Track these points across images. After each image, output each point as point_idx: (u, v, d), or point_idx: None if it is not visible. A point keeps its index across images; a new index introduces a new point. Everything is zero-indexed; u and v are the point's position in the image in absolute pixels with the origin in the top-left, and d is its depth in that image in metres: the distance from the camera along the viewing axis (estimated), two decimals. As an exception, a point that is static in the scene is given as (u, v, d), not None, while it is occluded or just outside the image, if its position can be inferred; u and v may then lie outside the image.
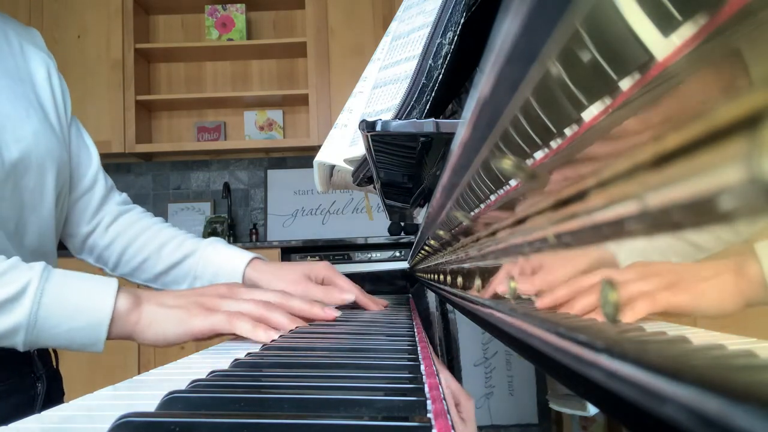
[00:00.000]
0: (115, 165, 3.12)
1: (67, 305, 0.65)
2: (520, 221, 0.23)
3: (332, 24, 2.95)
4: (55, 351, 0.94)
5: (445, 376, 0.42)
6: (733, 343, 0.11)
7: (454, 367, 0.64)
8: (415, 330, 0.66)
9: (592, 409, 0.19)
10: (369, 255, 2.66)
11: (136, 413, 0.29)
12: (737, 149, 0.08)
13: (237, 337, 0.69)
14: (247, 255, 0.92)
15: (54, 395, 0.90)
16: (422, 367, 0.42)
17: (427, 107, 0.49)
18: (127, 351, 2.57)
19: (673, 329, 0.13)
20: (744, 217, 0.09)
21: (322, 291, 0.86)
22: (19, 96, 0.83)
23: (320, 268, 0.91)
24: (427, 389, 0.35)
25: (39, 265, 0.66)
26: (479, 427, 0.39)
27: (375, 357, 0.48)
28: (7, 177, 0.76)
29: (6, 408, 0.79)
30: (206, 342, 0.74)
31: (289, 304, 0.72)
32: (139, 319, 0.68)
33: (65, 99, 0.95)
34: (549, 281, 0.20)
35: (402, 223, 1.12)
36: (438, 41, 0.49)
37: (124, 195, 1.07)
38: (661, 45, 0.10)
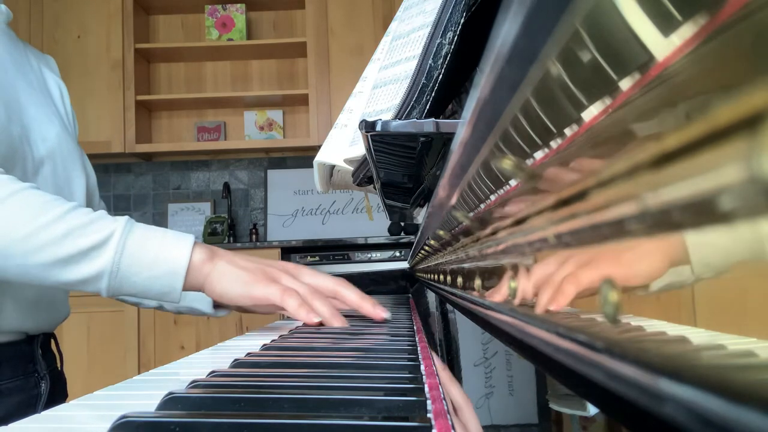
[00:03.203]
0: (115, 165, 3.12)
1: (147, 255, 0.69)
2: (520, 221, 0.23)
3: (332, 24, 2.95)
4: (60, 352, 0.94)
5: (445, 379, 0.42)
6: (733, 343, 0.11)
7: (454, 367, 0.64)
8: (415, 330, 0.66)
9: (592, 409, 0.19)
10: (369, 255, 2.66)
11: (136, 413, 0.29)
12: (737, 149, 0.08)
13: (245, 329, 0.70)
14: None
15: (57, 396, 0.91)
16: (422, 367, 0.42)
17: (427, 107, 0.49)
18: (127, 351, 2.57)
19: (673, 329, 0.13)
20: (744, 217, 0.09)
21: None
22: (42, 104, 0.89)
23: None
24: (427, 389, 0.35)
25: (123, 218, 0.71)
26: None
27: (375, 357, 0.48)
28: (36, 170, 0.83)
29: (8, 407, 0.79)
30: (207, 342, 0.76)
31: (343, 293, 0.76)
32: (211, 271, 0.73)
33: (75, 125, 1.03)
34: (547, 281, 0.20)
35: (402, 223, 1.12)
36: (438, 41, 0.49)
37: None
38: (661, 45, 0.10)
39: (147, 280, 0.69)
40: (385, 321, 0.75)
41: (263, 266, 0.75)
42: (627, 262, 0.14)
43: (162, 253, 0.70)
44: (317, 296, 0.73)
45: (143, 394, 0.40)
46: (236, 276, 0.73)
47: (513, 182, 0.22)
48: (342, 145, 0.73)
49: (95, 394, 0.40)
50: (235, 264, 0.74)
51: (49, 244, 0.66)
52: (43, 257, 0.66)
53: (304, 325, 0.75)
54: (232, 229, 3.05)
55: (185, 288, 0.72)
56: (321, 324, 0.72)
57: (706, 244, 0.11)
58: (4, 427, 0.30)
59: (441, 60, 0.49)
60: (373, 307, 0.75)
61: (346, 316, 0.76)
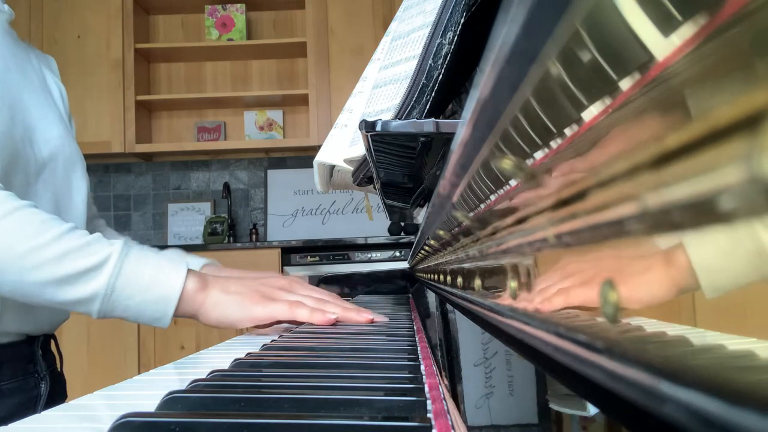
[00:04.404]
0: (115, 165, 3.12)
1: (142, 280, 0.70)
2: (520, 221, 0.23)
3: (332, 24, 2.95)
4: (60, 353, 0.94)
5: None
6: (733, 343, 0.11)
7: (454, 367, 0.64)
8: (415, 330, 0.66)
9: (592, 409, 0.19)
10: (369, 255, 2.66)
11: (136, 413, 0.29)
12: (737, 149, 0.08)
13: (241, 333, 0.70)
14: (201, 261, 0.97)
15: (57, 397, 0.91)
16: (422, 367, 0.42)
17: (427, 107, 0.49)
18: (127, 351, 2.57)
19: (673, 329, 0.13)
20: (744, 217, 0.09)
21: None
22: (44, 104, 0.89)
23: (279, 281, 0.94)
24: (427, 389, 0.35)
25: (119, 242, 0.72)
26: (479, 428, 0.39)
27: (375, 357, 0.48)
28: (38, 173, 0.83)
29: (8, 407, 0.79)
30: (207, 342, 0.77)
31: (342, 304, 0.78)
32: (205, 300, 0.73)
33: (73, 127, 1.03)
34: (547, 281, 0.20)
35: (402, 223, 1.12)
36: (438, 41, 0.49)
37: (103, 220, 1.14)
38: (661, 45, 0.10)
39: (139, 304, 0.70)
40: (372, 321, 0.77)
41: (256, 286, 0.76)
42: (633, 287, 0.14)
43: (156, 280, 0.70)
44: (322, 301, 0.75)
45: (143, 394, 0.40)
46: (231, 301, 0.74)
47: (513, 182, 0.22)
48: (342, 145, 0.73)
49: (95, 394, 0.40)
50: (228, 291, 0.75)
51: (46, 263, 0.66)
52: (39, 276, 0.66)
53: (306, 323, 0.75)
54: (232, 229, 3.05)
55: (176, 314, 0.73)
56: (337, 323, 0.73)
57: (715, 269, 0.11)
58: (4, 427, 0.30)
59: (441, 60, 0.49)
60: (375, 315, 0.77)
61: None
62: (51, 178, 0.85)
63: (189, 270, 0.74)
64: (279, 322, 0.77)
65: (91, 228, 1.07)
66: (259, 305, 0.74)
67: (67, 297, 0.67)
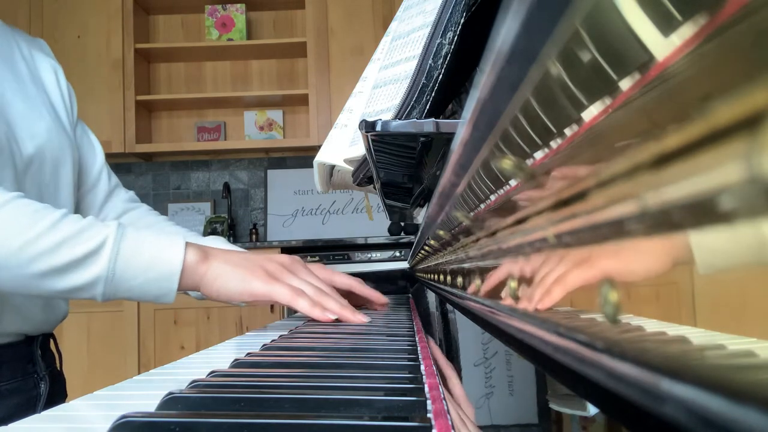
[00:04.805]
0: (115, 165, 3.11)
1: (141, 259, 0.70)
2: (520, 221, 0.23)
3: (332, 24, 2.95)
4: (59, 352, 0.94)
5: (450, 377, 0.42)
6: (733, 343, 0.11)
7: (454, 367, 0.64)
8: (415, 330, 0.66)
9: (592, 409, 0.19)
10: (369, 255, 2.66)
11: (136, 413, 0.29)
12: (737, 149, 0.08)
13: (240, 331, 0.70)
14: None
15: (56, 396, 0.91)
16: (422, 367, 0.42)
17: (427, 107, 0.49)
18: (127, 351, 2.57)
19: (673, 329, 0.13)
20: (744, 217, 0.09)
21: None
22: (31, 96, 0.87)
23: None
24: (427, 389, 0.35)
25: (114, 223, 0.71)
26: (479, 428, 0.39)
27: (375, 357, 0.48)
28: (25, 170, 0.82)
29: (8, 408, 0.79)
30: (207, 342, 0.77)
31: (340, 300, 0.77)
32: (206, 271, 0.73)
33: (72, 102, 1.00)
34: (546, 279, 0.20)
35: (402, 223, 1.12)
36: (438, 41, 0.49)
37: (131, 193, 1.10)
38: (661, 45, 0.10)
39: (143, 283, 0.70)
40: (385, 309, 0.76)
41: (260, 262, 0.76)
42: (628, 262, 0.14)
43: (156, 257, 0.70)
44: (324, 295, 0.75)
45: (143, 394, 0.40)
46: (233, 274, 0.73)
47: (513, 182, 0.22)
48: (342, 145, 0.73)
49: (95, 394, 0.40)
50: (231, 262, 0.74)
51: (43, 254, 0.66)
52: (39, 267, 0.66)
53: (306, 323, 0.75)
54: (232, 229, 3.05)
55: (180, 288, 0.72)
56: (337, 321, 0.73)
57: (711, 248, 0.11)
58: (4, 428, 0.30)
59: (441, 60, 0.49)
60: (355, 315, 0.76)
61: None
62: (38, 174, 0.84)
63: (188, 243, 0.73)
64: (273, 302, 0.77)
65: (113, 201, 1.05)
66: (260, 281, 0.73)
67: (68, 285, 0.67)
